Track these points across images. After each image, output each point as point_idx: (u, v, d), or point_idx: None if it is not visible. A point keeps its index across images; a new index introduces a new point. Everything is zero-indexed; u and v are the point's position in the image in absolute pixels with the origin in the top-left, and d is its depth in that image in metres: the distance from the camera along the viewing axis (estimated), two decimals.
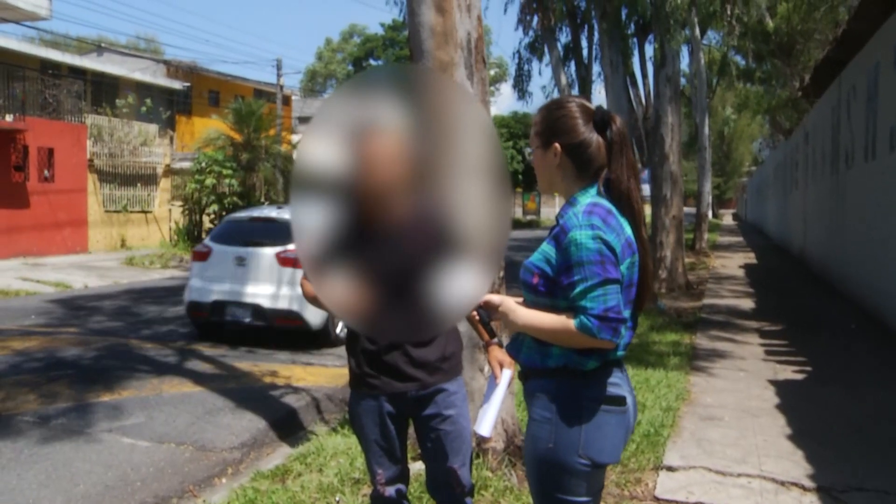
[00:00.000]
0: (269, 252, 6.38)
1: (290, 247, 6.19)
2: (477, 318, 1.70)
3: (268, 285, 6.34)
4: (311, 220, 1.33)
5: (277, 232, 6.44)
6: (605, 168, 1.62)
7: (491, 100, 13.13)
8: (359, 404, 2.10)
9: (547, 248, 1.59)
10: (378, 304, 1.38)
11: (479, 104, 2.16)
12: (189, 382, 5.16)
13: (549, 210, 38.38)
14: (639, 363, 5.48)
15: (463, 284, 1.38)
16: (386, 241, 1.41)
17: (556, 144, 1.62)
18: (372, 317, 1.38)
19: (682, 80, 17.32)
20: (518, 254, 5.72)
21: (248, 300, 6.33)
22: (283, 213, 6.67)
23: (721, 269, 13.15)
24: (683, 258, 10.44)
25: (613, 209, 1.58)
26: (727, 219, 45.01)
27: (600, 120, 1.62)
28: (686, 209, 18.37)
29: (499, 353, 2.05)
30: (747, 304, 8.84)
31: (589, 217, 1.54)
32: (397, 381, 2.04)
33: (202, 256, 6.64)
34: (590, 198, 1.60)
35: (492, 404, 1.84)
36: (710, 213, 22.18)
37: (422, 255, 1.38)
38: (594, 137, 1.62)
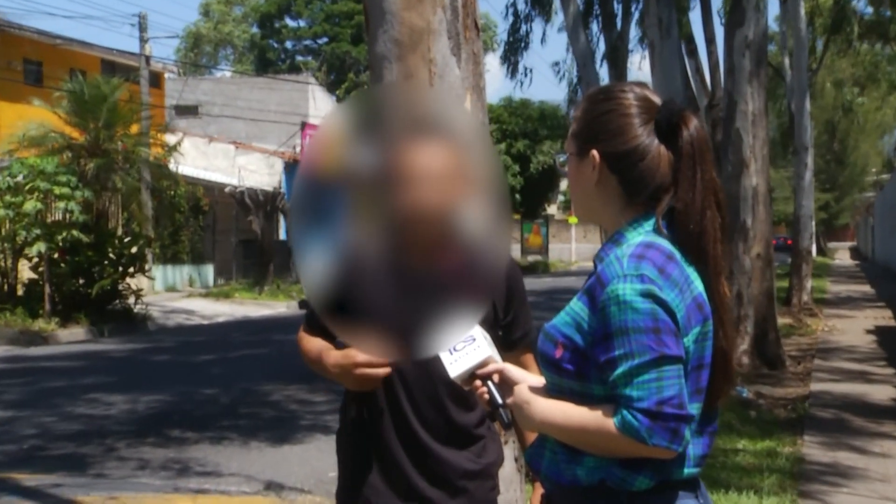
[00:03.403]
0: None
1: None
2: (484, 393, 1.46)
3: None
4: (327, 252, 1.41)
5: None
6: (668, 191, 1.37)
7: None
8: None
9: (577, 307, 1.37)
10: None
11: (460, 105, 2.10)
12: None
13: (562, 247, 33.28)
14: (712, 484, 3.99)
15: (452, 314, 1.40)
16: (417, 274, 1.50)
17: (594, 152, 1.39)
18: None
19: (770, 46, 12.84)
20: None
21: None
22: None
23: (835, 337, 10.28)
24: (775, 319, 8.12)
25: (676, 253, 1.35)
26: (841, 256, 35.04)
27: (665, 119, 1.37)
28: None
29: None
30: (882, 392, 6.72)
31: (638, 264, 1.31)
32: (399, 498, 1.79)
33: None
34: (642, 235, 1.37)
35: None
36: (813, 249, 17.05)
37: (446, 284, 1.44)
38: (653, 144, 1.37)
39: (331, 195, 1.47)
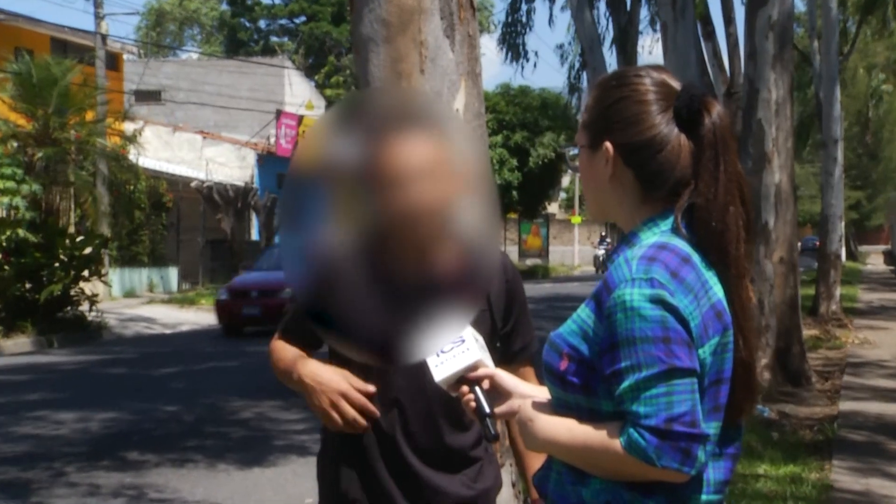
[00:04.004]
0: None
1: None
2: (471, 400, 1.46)
3: None
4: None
5: None
6: (689, 185, 1.37)
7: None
8: None
9: (584, 314, 1.37)
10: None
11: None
12: None
13: (564, 249, 33.49)
14: None
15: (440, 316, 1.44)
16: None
17: (608, 144, 1.39)
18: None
19: (796, 28, 13.15)
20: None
21: None
22: None
23: (867, 351, 10.19)
24: (800, 331, 8.04)
25: (693, 255, 1.34)
26: (874, 260, 34.04)
27: (685, 106, 1.37)
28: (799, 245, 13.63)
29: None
30: None
31: (648, 267, 1.31)
32: None
33: None
34: (657, 235, 1.37)
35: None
36: (843, 253, 17.25)
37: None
38: (673, 134, 1.38)
39: (314, 194, 1.54)
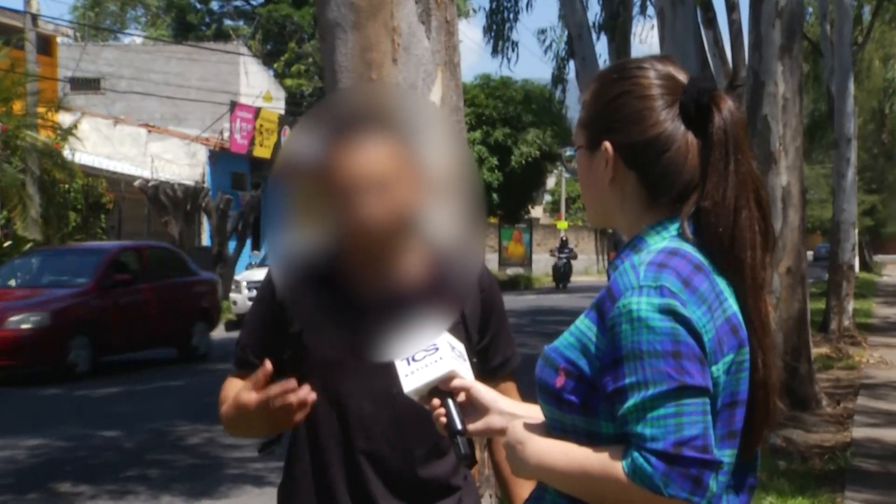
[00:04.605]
0: None
1: None
2: (441, 415, 1.46)
3: None
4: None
5: None
6: (697, 187, 1.37)
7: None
8: None
9: (584, 325, 1.37)
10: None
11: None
12: None
13: (549, 258, 32.18)
14: None
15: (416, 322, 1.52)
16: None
17: (607, 144, 1.39)
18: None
19: (807, 14, 12.89)
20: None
21: None
22: None
23: (883, 371, 10.21)
24: (809, 349, 8.10)
25: (705, 263, 1.35)
26: (890, 271, 34.19)
27: (693, 100, 1.37)
28: (810, 253, 13.10)
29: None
30: None
31: (658, 274, 1.31)
32: None
33: None
34: (667, 240, 1.38)
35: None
36: (856, 263, 16.87)
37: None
38: (679, 132, 1.37)
39: (281, 196, 1.63)
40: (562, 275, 29.27)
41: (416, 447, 1.80)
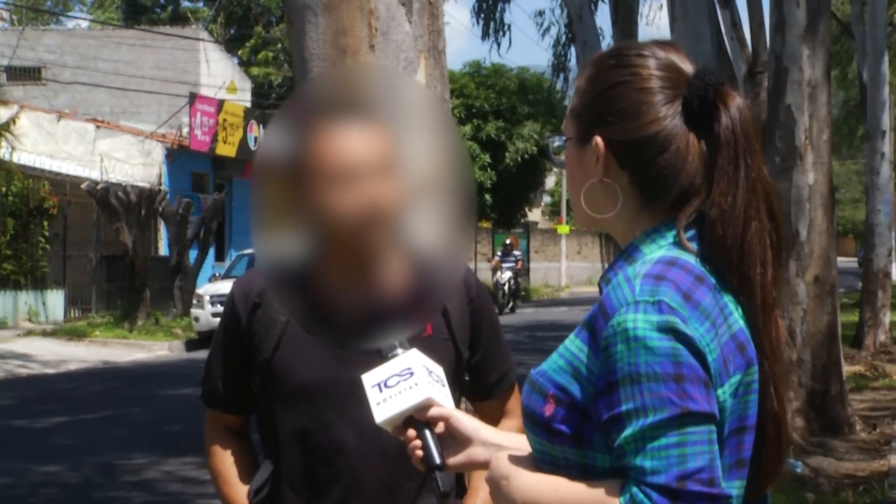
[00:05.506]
0: None
1: None
2: (417, 448, 1.47)
3: None
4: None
5: None
6: (699, 194, 1.39)
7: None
8: None
9: (574, 347, 1.38)
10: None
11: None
12: None
13: (548, 266, 33.01)
14: None
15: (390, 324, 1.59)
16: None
17: (598, 139, 1.40)
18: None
19: None
20: None
21: None
22: None
23: None
24: (840, 367, 8.07)
25: (707, 275, 1.35)
26: None
27: (697, 96, 1.37)
28: (841, 261, 12.65)
29: None
30: None
31: (655, 287, 1.31)
32: None
33: None
34: (664, 249, 1.39)
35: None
36: (892, 270, 16.49)
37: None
38: (680, 130, 1.38)
39: (256, 191, 1.68)
40: (506, 293, 24.61)
41: (406, 481, 1.80)
